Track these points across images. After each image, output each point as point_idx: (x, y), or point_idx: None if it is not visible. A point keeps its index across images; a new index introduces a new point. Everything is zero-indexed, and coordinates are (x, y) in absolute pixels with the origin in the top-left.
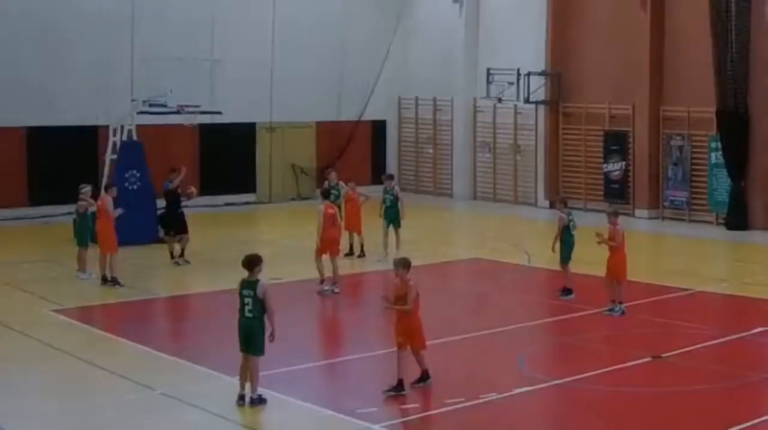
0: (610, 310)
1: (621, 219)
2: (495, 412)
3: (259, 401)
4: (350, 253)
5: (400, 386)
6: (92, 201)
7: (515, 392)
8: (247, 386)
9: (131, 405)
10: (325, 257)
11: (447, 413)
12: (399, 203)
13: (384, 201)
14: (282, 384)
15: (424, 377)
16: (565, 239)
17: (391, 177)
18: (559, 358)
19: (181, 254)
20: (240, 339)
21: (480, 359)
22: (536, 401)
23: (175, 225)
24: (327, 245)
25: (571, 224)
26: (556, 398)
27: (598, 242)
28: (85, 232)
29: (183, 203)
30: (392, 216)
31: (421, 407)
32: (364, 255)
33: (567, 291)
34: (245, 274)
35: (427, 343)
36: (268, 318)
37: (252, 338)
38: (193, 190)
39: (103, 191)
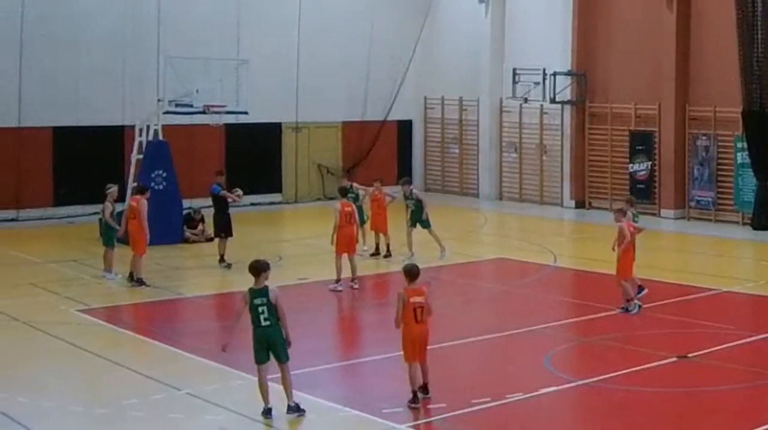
0: (624, 308)
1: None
2: (521, 412)
3: (297, 409)
4: (376, 253)
5: (423, 390)
6: (113, 203)
7: (541, 392)
8: (273, 398)
9: (157, 405)
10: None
11: (473, 412)
12: (423, 205)
13: (408, 206)
14: (307, 384)
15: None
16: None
17: (408, 182)
18: (585, 358)
19: (222, 259)
20: (259, 350)
21: (506, 358)
22: (562, 401)
23: (225, 227)
24: (343, 243)
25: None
26: (581, 397)
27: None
28: (111, 232)
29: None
30: (419, 219)
31: (447, 407)
32: (390, 255)
33: (639, 289)
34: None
35: (454, 343)
36: (282, 323)
37: (275, 345)
38: (240, 192)
39: (129, 192)
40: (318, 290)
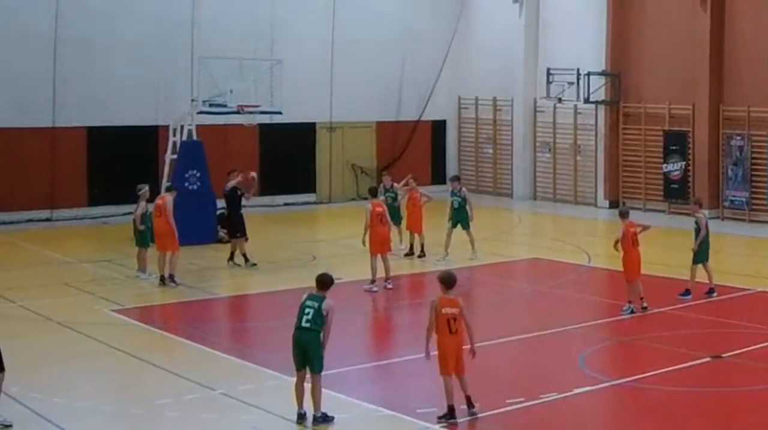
0: (645, 307)
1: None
2: (555, 412)
3: (323, 419)
4: (410, 253)
5: (468, 404)
6: (147, 203)
7: (575, 392)
8: (306, 403)
9: (191, 405)
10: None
11: (507, 412)
12: (467, 205)
13: (452, 204)
14: (340, 384)
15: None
16: (700, 240)
17: (457, 179)
18: (619, 358)
19: (231, 257)
20: (295, 355)
21: (540, 358)
22: (596, 401)
23: (239, 227)
24: (377, 243)
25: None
26: (615, 398)
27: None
28: (144, 232)
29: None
30: (461, 218)
31: (482, 406)
32: (424, 255)
33: (686, 292)
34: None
35: (488, 343)
36: (324, 336)
37: (310, 352)
38: (249, 195)
39: (163, 190)
40: (352, 290)
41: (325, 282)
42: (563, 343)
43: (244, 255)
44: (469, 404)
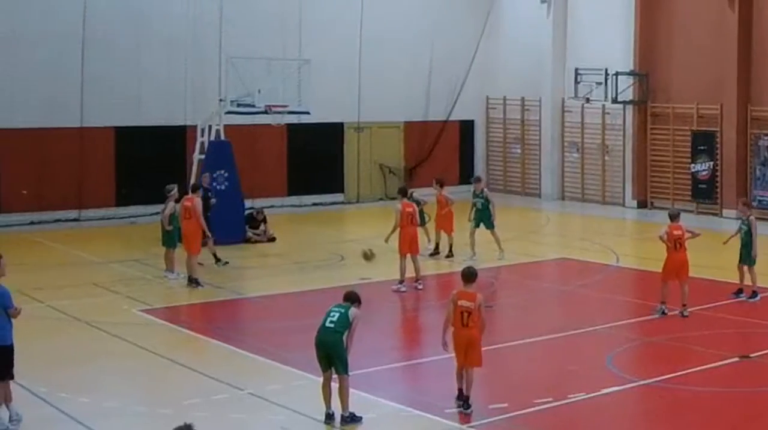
0: (684, 314)
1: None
2: (583, 412)
3: (351, 419)
4: (436, 252)
5: (459, 398)
6: (175, 204)
7: (603, 392)
8: (334, 403)
9: (219, 405)
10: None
11: (535, 412)
12: (491, 205)
13: (474, 204)
14: (368, 384)
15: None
16: (749, 241)
17: (479, 179)
18: (647, 358)
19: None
20: (320, 358)
21: (568, 358)
22: (624, 401)
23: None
24: (406, 243)
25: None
26: (643, 398)
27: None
28: (172, 232)
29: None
30: (485, 218)
31: (509, 406)
32: (452, 255)
33: (753, 293)
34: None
35: (516, 343)
36: (348, 341)
37: (334, 355)
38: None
39: (190, 192)
40: (380, 290)
41: (352, 298)
42: (591, 343)
43: (214, 254)
44: (462, 399)
